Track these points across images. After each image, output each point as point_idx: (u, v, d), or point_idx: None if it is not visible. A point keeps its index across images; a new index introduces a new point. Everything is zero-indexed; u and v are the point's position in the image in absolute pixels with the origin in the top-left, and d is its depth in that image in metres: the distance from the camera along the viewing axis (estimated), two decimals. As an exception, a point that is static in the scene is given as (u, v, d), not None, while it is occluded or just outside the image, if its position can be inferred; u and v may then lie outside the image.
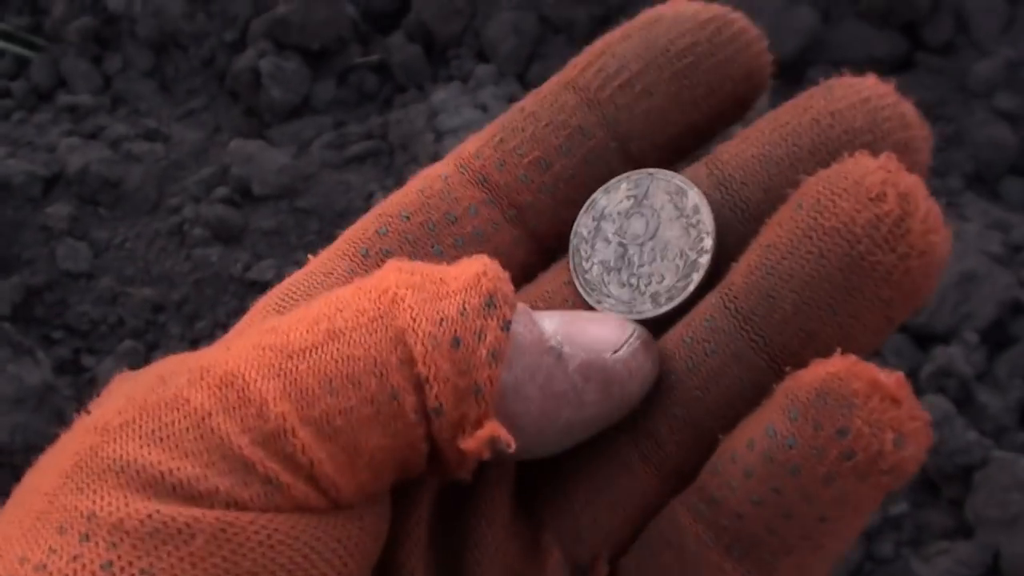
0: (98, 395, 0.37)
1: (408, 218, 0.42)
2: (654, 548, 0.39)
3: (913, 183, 0.36)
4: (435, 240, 0.42)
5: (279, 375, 0.33)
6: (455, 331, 0.34)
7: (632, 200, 0.42)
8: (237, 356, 0.34)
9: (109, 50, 1.65)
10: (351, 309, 0.34)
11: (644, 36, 0.42)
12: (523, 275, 0.43)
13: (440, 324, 0.34)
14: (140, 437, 0.32)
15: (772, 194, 0.39)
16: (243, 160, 1.41)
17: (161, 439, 0.32)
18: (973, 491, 1.08)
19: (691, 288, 0.40)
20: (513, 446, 0.34)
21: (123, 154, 1.47)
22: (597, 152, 0.42)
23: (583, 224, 0.42)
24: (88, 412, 0.35)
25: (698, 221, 0.40)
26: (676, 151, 0.43)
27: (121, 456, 0.32)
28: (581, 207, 0.43)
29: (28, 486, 0.34)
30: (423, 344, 0.34)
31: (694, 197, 0.41)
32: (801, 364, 0.36)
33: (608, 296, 0.41)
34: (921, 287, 0.36)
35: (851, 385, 0.34)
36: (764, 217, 0.38)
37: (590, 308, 0.41)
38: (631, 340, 0.37)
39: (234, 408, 0.33)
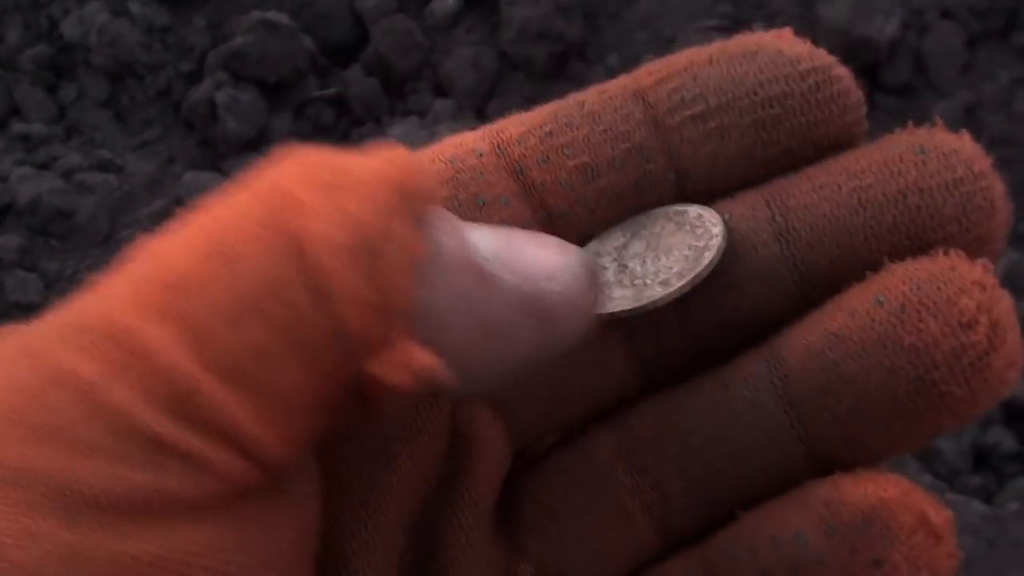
0: None
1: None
2: None
3: (1005, 310, 0.33)
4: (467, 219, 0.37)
5: (169, 316, 0.27)
6: (362, 235, 0.28)
7: (628, 235, 0.38)
8: (115, 300, 0.27)
9: (64, 79, 1.63)
10: (239, 216, 0.28)
11: (733, 68, 0.37)
12: None
13: (342, 227, 0.28)
14: (26, 434, 0.26)
15: (838, 264, 0.35)
16: (197, 192, 1.40)
17: (54, 433, 0.26)
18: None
19: (704, 263, 0.36)
20: (442, 373, 0.29)
21: (76, 184, 1.46)
22: (653, 178, 0.37)
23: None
24: None
25: (703, 222, 0.37)
26: (734, 193, 0.38)
27: (10, 462, 0.25)
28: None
29: None
30: (324, 250, 0.28)
31: (696, 209, 0.37)
32: (838, 462, 0.34)
33: (610, 299, 0.37)
34: (979, 414, 0.34)
35: (899, 517, 0.32)
36: (823, 283, 0.35)
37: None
38: (572, 268, 0.33)
39: (128, 369, 0.26)
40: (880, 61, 1.42)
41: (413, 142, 1.39)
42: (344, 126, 1.53)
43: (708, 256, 0.36)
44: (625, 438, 0.36)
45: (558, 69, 1.49)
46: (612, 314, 0.36)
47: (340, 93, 1.54)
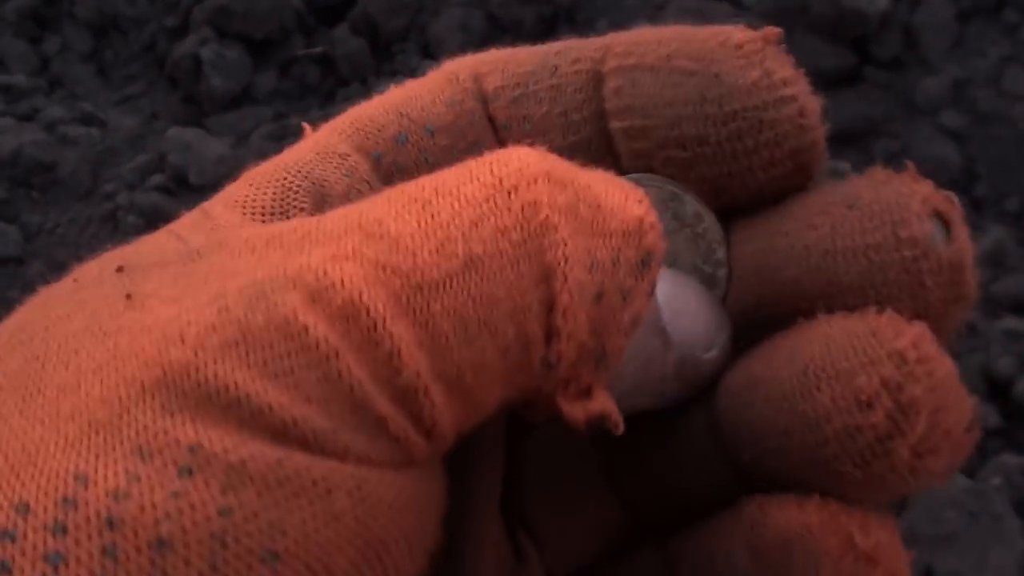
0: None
1: (432, 134, 0.36)
2: None
3: (924, 390, 0.30)
4: None
5: (410, 314, 0.27)
6: (603, 283, 0.28)
7: None
8: (352, 275, 0.27)
9: (48, 31, 1.62)
10: (490, 225, 0.28)
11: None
12: None
13: (590, 271, 0.28)
14: (250, 368, 0.26)
15: (798, 289, 0.34)
16: (180, 148, 1.39)
17: (278, 376, 0.26)
18: (908, 508, 1.08)
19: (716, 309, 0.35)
20: (621, 430, 0.29)
21: (58, 137, 1.45)
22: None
23: None
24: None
25: (704, 231, 0.36)
26: None
27: (229, 387, 0.26)
28: None
29: (41, 377, 0.27)
30: (569, 293, 0.28)
31: (692, 203, 0.36)
32: (767, 489, 0.33)
33: None
34: (894, 498, 0.32)
35: (824, 542, 0.31)
36: (750, 315, 0.34)
37: None
38: (722, 341, 0.33)
39: (362, 350, 0.27)
40: (870, 34, 1.42)
41: (399, 103, 1.38)
42: (329, 85, 1.52)
43: (719, 294, 0.35)
44: (604, 442, 0.36)
45: (547, 32, 1.49)
46: None
47: (326, 52, 1.53)
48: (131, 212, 1.34)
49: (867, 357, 0.30)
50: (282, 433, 0.26)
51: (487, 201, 0.28)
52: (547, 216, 0.28)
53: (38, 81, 1.56)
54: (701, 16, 1.39)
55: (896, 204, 0.32)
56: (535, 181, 0.29)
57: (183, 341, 0.27)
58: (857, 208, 0.33)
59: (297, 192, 0.34)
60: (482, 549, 0.35)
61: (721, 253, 0.35)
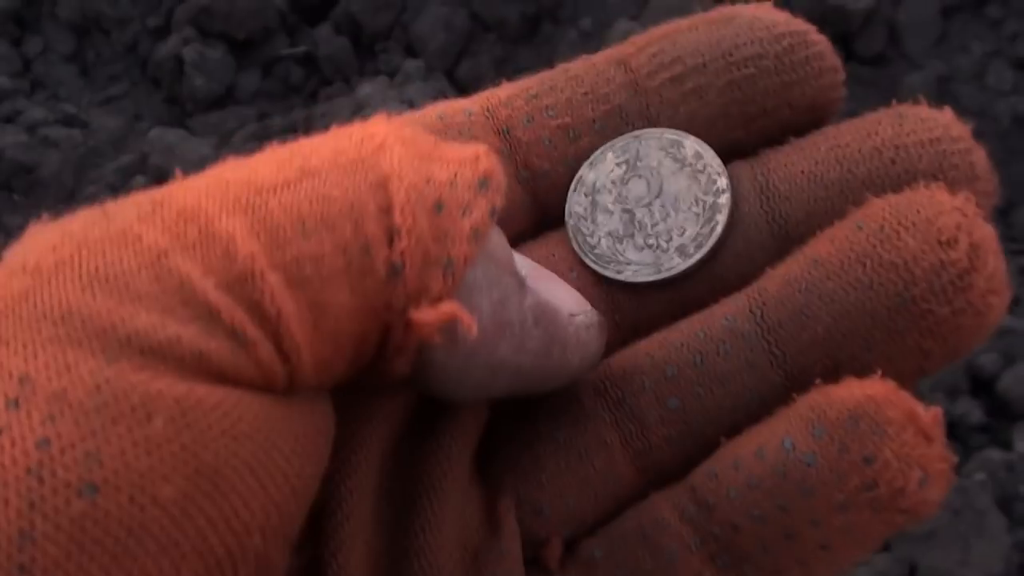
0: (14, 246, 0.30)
1: None
2: (627, 539, 0.36)
3: (987, 235, 0.33)
4: None
5: (247, 211, 0.28)
6: (441, 195, 0.30)
7: (624, 166, 0.38)
8: (197, 190, 0.28)
9: (29, 32, 1.61)
10: (328, 148, 0.30)
11: (710, 33, 0.38)
12: (517, 242, 0.39)
13: (427, 182, 0.30)
14: (81, 278, 0.26)
15: (814, 217, 0.36)
16: (163, 149, 1.39)
17: (107, 280, 0.26)
18: (891, 505, 1.08)
19: (719, 231, 0.37)
20: (474, 332, 0.30)
21: (40, 139, 1.44)
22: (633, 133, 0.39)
23: (576, 203, 0.39)
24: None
25: (704, 166, 0.37)
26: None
27: (60, 302, 0.26)
28: None
29: None
30: (405, 194, 0.29)
31: (692, 144, 0.37)
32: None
33: (628, 263, 0.38)
34: (966, 346, 0.33)
35: (887, 413, 0.32)
36: (800, 237, 0.35)
37: (607, 281, 0.38)
38: (589, 317, 0.34)
39: (195, 246, 0.27)
40: (854, 31, 1.42)
41: (382, 102, 1.38)
42: (313, 85, 1.51)
43: (720, 220, 0.36)
44: (603, 373, 0.36)
45: (530, 31, 1.48)
46: (633, 283, 0.38)
47: (309, 51, 1.52)
48: (114, 213, 1.34)
49: (937, 209, 0.33)
50: (106, 336, 0.26)
51: (331, 137, 0.30)
52: (384, 140, 0.30)
53: (19, 82, 1.55)
54: (683, 13, 1.38)
55: (935, 113, 0.36)
56: (376, 123, 0.31)
57: (24, 270, 0.27)
58: (905, 117, 0.36)
59: None
60: (441, 527, 0.35)
61: (722, 182, 0.37)
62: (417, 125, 0.36)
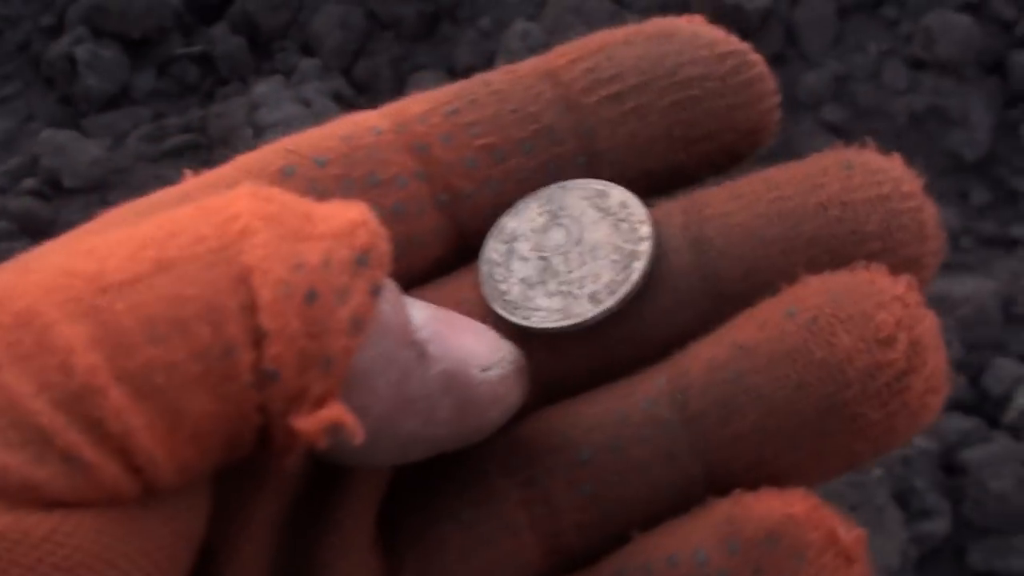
0: None
1: (323, 165, 0.34)
2: None
3: (928, 330, 0.30)
4: (348, 200, 0.33)
5: (89, 314, 0.25)
6: (313, 283, 0.27)
7: (546, 215, 0.36)
8: (37, 285, 0.26)
9: (-82, 31, 1.58)
10: (188, 235, 0.27)
11: (650, 48, 0.35)
12: (434, 273, 0.36)
13: (296, 270, 0.27)
14: None
15: (752, 276, 0.33)
16: (54, 151, 1.36)
17: None
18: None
19: (635, 278, 0.34)
20: (360, 437, 0.27)
21: (-73, 141, 1.41)
22: (562, 162, 0.36)
23: (492, 249, 0.36)
24: None
25: (628, 215, 0.35)
26: (649, 187, 0.36)
27: None
28: None
29: None
30: (271, 290, 0.26)
31: (619, 194, 0.35)
32: (743, 485, 0.31)
33: (536, 310, 0.35)
34: (898, 444, 0.31)
35: (807, 534, 0.30)
36: (735, 297, 0.33)
37: (515, 328, 0.35)
38: (504, 362, 0.32)
39: (30, 357, 0.25)
40: (751, 30, 1.43)
41: (278, 101, 1.37)
42: (209, 85, 1.49)
43: (638, 268, 0.34)
44: (514, 450, 0.34)
45: (428, 30, 1.48)
46: (539, 329, 0.35)
47: (205, 51, 1.50)
48: (3, 217, 1.31)
49: (876, 300, 0.30)
50: None
51: (191, 218, 0.27)
52: (247, 223, 0.27)
53: (-91, 83, 1.53)
54: (580, 14, 1.39)
55: (885, 162, 0.33)
56: (240, 198, 0.28)
57: None
58: (854, 168, 0.33)
59: None
60: (337, 562, 0.33)
61: (644, 230, 0.34)
62: (320, 156, 0.34)
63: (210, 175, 0.34)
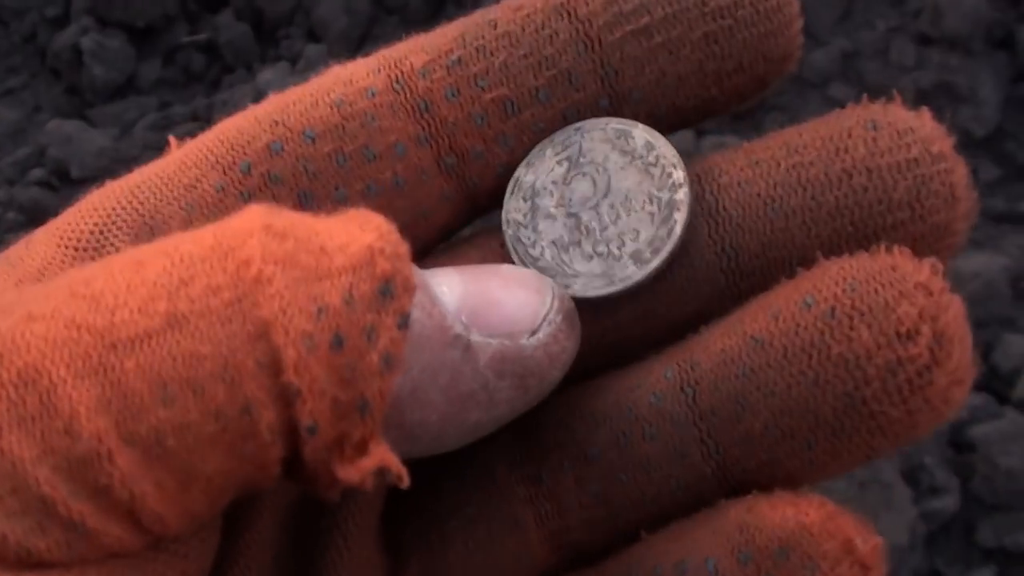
0: None
1: (313, 140, 0.32)
2: None
3: (953, 319, 0.29)
4: (341, 179, 0.33)
5: (97, 373, 0.24)
6: (337, 327, 0.25)
7: (566, 163, 0.33)
8: (43, 339, 0.24)
9: (-76, 23, 1.58)
10: (200, 284, 0.25)
11: None
12: (444, 238, 0.35)
13: (318, 317, 0.25)
14: None
15: (771, 250, 0.32)
16: (61, 141, 1.36)
17: None
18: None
19: (678, 231, 0.32)
20: (406, 480, 0.26)
21: (-64, 134, 1.42)
22: (582, 107, 0.33)
23: (513, 209, 0.34)
24: None
25: (657, 158, 0.33)
26: (673, 125, 0.34)
27: None
28: None
29: None
30: (295, 346, 0.25)
31: (642, 134, 0.33)
32: (753, 484, 0.30)
33: (576, 276, 0.33)
34: (918, 437, 0.30)
35: (822, 546, 0.29)
36: (753, 272, 0.32)
37: None
38: (551, 315, 0.30)
39: (33, 420, 0.24)
40: (758, 9, 1.42)
41: (283, 88, 1.36)
42: (214, 73, 1.49)
43: (679, 219, 0.32)
44: (521, 445, 0.33)
45: (433, 14, 1.47)
46: (583, 299, 0.33)
47: (210, 39, 1.50)
48: (11, 208, 1.31)
49: (898, 290, 0.29)
50: None
51: (202, 261, 0.26)
52: (260, 270, 0.26)
53: (-84, 76, 1.53)
54: None
55: (913, 120, 0.32)
56: (251, 236, 0.26)
57: None
58: (880, 129, 0.31)
59: (119, 225, 0.31)
60: (342, 562, 0.32)
61: (678, 175, 0.32)
62: (310, 129, 0.32)
63: (194, 148, 0.32)
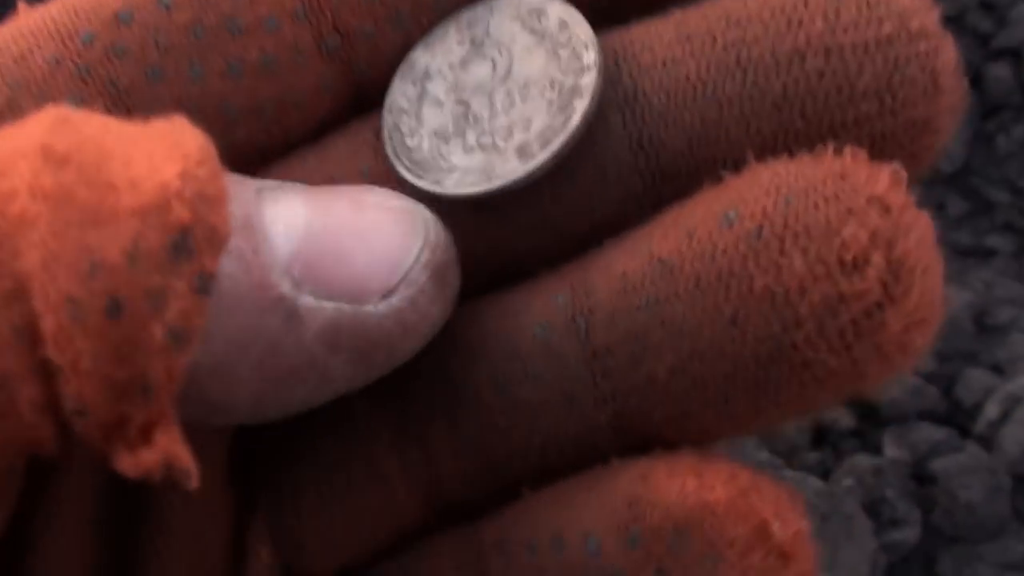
0: None
1: (168, 8, 0.27)
2: None
3: (916, 244, 0.23)
4: (197, 55, 0.27)
5: None
6: (114, 289, 0.20)
7: (467, 45, 0.28)
8: None
9: None
10: None
11: None
12: (322, 132, 0.29)
13: (90, 276, 0.20)
14: None
15: (701, 148, 0.25)
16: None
17: None
18: (761, 509, 1.09)
19: (575, 121, 0.26)
20: (195, 481, 0.21)
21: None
22: None
23: (399, 94, 0.28)
24: None
25: (569, 38, 0.27)
26: (612, 13, 0.28)
27: None
28: None
29: None
30: (56, 312, 0.20)
31: (558, 11, 0.27)
32: (656, 438, 0.25)
33: (450, 171, 0.27)
34: (867, 389, 0.24)
35: (729, 530, 0.24)
36: (677, 175, 0.25)
37: (422, 194, 0.27)
38: (414, 272, 0.24)
39: None
40: None
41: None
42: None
43: (578, 107, 0.26)
44: (384, 382, 0.27)
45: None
46: (452, 196, 0.27)
47: None
48: None
49: (845, 206, 0.22)
50: None
51: None
52: (24, 208, 0.20)
53: None
54: None
55: None
56: (23, 158, 0.21)
57: None
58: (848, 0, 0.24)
59: None
60: (170, 560, 0.27)
61: (589, 58, 0.26)
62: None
63: (37, 14, 0.27)
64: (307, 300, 0.23)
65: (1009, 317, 1.23)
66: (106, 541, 0.27)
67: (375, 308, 0.23)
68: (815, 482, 1.11)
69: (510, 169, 0.26)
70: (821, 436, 1.17)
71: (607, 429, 0.26)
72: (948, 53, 0.25)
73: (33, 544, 0.26)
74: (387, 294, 0.24)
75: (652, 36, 0.26)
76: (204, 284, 0.21)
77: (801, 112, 0.24)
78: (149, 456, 0.21)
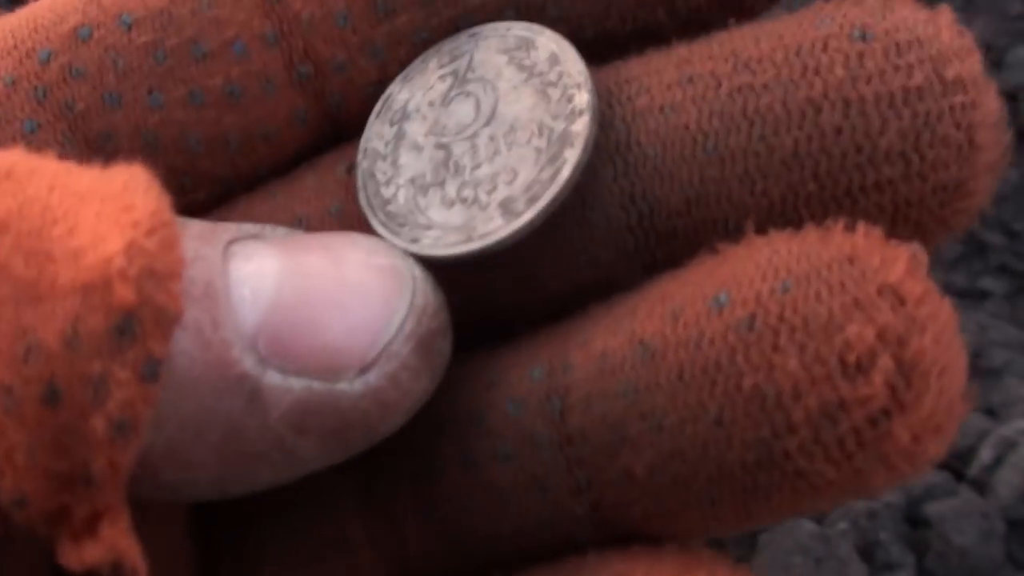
0: None
1: (129, 28, 0.25)
2: None
3: (931, 343, 0.20)
4: (157, 81, 0.25)
5: None
6: (51, 377, 0.18)
7: (450, 79, 0.26)
8: None
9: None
10: None
11: None
12: (292, 168, 0.27)
13: (25, 360, 0.18)
14: None
15: (700, 209, 0.23)
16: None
17: None
18: (757, 553, 1.09)
19: (565, 174, 0.23)
20: (143, 573, 0.19)
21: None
22: (481, 16, 0.25)
23: (376, 136, 0.26)
24: None
25: (560, 76, 0.24)
26: (607, 50, 0.25)
27: None
28: None
29: None
30: None
31: (548, 44, 0.25)
32: (641, 534, 0.23)
33: (428, 227, 0.24)
34: (869, 496, 0.22)
35: None
36: (671, 235, 0.23)
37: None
38: (396, 344, 0.21)
39: None
40: None
41: None
42: None
43: (570, 158, 0.23)
44: None
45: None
46: (429, 257, 0.24)
47: None
48: None
49: (850, 298, 0.20)
50: None
51: None
52: None
53: None
54: None
55: (923, 29, 0.21)
56: None
57: None
58: (870, 39, 0.21)
59: None
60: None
61: (581, 100, 0.24)
62: (128, 13, 0.23)
63: (3, 26, 0.26)
64: (272, 378, 0.21)
65: (1003, 360, 1.23)
66: None
67: (350, 386, 0.21)
68: (809, 525, 1.11)
69: (493, 228, 0.24)
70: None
71: (584, 520, 0.24)
72: (989, 104, 0.21)
73: None
74: (364, 369, 0.21)
75: (651, 75, 0.24)
76: (151, 370, 0.19)
77: (814, 173, 0.22)
78: (94, 550, 0.19)
